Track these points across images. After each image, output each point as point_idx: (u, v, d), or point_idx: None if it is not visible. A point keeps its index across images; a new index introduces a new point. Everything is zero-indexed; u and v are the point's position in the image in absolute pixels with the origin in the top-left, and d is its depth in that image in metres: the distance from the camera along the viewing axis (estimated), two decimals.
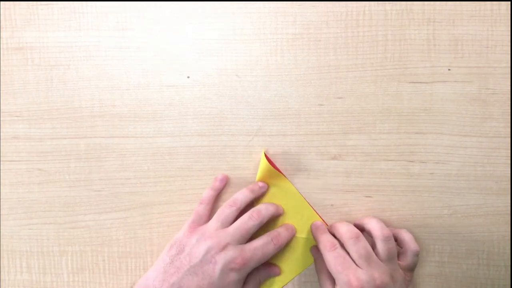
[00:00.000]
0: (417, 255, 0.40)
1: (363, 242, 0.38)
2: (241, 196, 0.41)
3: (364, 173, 0.44)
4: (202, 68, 0.43)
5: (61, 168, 0.45)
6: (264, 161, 0.42)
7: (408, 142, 0.43)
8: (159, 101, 0.44)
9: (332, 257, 0.38)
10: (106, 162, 0.44)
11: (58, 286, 0.46)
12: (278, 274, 0.42)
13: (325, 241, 0.39)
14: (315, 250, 0.42)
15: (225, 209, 0.41)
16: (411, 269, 0.40)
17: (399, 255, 0.41)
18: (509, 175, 0.43)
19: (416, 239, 0.40)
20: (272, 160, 0.44)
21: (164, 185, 0.44)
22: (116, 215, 0.45)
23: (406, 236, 0.41)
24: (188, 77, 0.44)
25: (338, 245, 0.39)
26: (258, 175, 0.42)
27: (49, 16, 0.43)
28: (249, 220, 0.40)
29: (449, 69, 0.43)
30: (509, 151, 0.43)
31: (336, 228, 0.40)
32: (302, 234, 0.43)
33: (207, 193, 0.43)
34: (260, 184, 0.42)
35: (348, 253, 0.38)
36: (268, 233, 0.41)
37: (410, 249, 0.40)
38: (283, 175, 0.43)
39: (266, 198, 0.43)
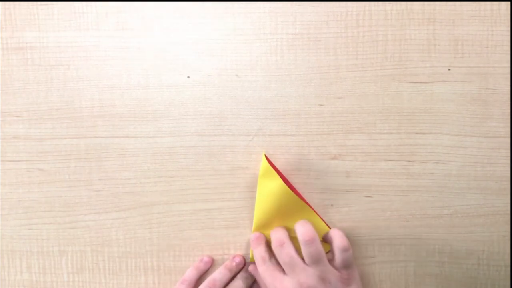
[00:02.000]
0: (345, 250, 0.39)
1: (287, 249, 0.39)
2: (219, 276, 0.42)
3: (364, 173, 0.44)
4: (202, 68, 0.43)
5: (61, 168, 0.45)
6: (265, 163, 0.42)
7: (408, 142, 0.43)
8: (159, 101, 0.44)
9: (263, 270, 0.40)
10: (106, 162, 0.44)
11: (58, 286, 0.46)
12: None
13: (257, 256, 0.41)
14: (254, 269, 0.43)
15: None
16: (345, 267, 0.39)
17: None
18: (509, 175, 0.43)
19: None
20: (272, 160, 0.44)
21: (164, 185, 0.44)
22: (116, 215, 0.45)
23: (332, 233, 0.40)
24: (188, 77, 0.44)
25: (267, 258, 0.40)
26: (260, 177, 0.42)
27: (49, 16, 0.43)
28: None
29: (449, 69, 0.43)
30: (509, 151, 0.43)
31: (271, 235, 0.42)
32: None
33: (189, 273, 0.43)
34: (237, 260, 0.44)
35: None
36: None
37: (336, 245, 0.39)
38: (283, 176, 0.43)
39: (267, 200, 0.42)
